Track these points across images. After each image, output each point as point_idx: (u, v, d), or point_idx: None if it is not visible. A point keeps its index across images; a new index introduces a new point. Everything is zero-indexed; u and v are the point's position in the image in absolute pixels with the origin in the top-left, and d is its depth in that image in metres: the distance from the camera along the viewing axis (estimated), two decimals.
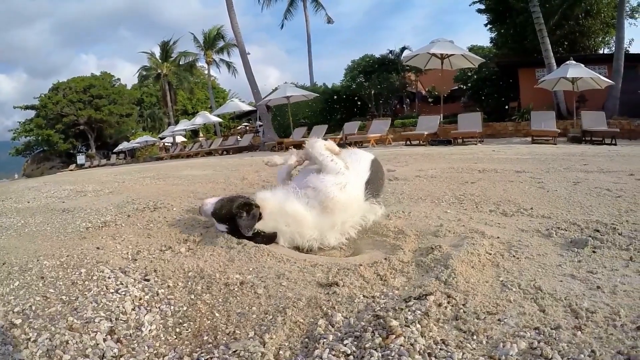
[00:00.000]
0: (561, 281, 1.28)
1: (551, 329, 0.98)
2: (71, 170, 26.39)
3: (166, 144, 31.69)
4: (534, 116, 12.48)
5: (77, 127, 39.93)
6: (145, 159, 27.17)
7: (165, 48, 34.20)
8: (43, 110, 39.57)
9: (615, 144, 10.38)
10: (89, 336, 1.07)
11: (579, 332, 0.97)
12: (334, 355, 0.96)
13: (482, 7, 21.18)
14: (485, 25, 21.80)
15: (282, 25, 31.17)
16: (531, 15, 15.77)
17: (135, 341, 1.09)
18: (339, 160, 2.01)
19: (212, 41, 33.42)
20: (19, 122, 42.19)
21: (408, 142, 12.81)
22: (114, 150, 34.07)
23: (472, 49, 22.20)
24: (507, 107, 17.61)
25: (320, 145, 2.13)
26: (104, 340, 1.06)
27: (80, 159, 34.30)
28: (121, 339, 1.08)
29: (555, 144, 10.35)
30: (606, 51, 19.84)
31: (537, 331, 0.98)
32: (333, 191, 1.84)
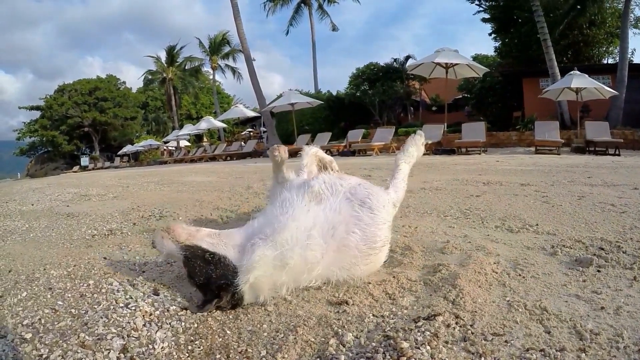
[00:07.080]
0: (566, 301, 1.28)
1: (556, 350, 0.99)
2: (74, 172, 26.45)
3: (170, 147, 31.83)
4: (537, 126, 12.51)
5: (81, 129, 40.24)
6: (149, 162, 27.28)
7: (171, 53, 34.43)
8: (48, 111, 39.93)
9: (618, 155, 10.37)
10: (102, 354, 1.04)
11: (583, 354, 0.98)
12: None
13: (487, 16, 21.31)
14: (490, 34, 21.95)
15: (288, 32, 31.55)
16: (536, 25, 15.86)
17: (148, 359, 1.07)
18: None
19: (217, 47, 33.69)
20: (24, 123, 42.77)
21: None
22: (118, 153, 34.23)
23: (476, 58, 22.32)
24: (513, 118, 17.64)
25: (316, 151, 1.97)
26: (118, 358, 1.04)
27: (84, 160, 34.46)
28: (134, 357, 1.06)
29: (559, 154, 10.34)
30: (610, 61, 19.94)
31: (542, 353, 0.98)
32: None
